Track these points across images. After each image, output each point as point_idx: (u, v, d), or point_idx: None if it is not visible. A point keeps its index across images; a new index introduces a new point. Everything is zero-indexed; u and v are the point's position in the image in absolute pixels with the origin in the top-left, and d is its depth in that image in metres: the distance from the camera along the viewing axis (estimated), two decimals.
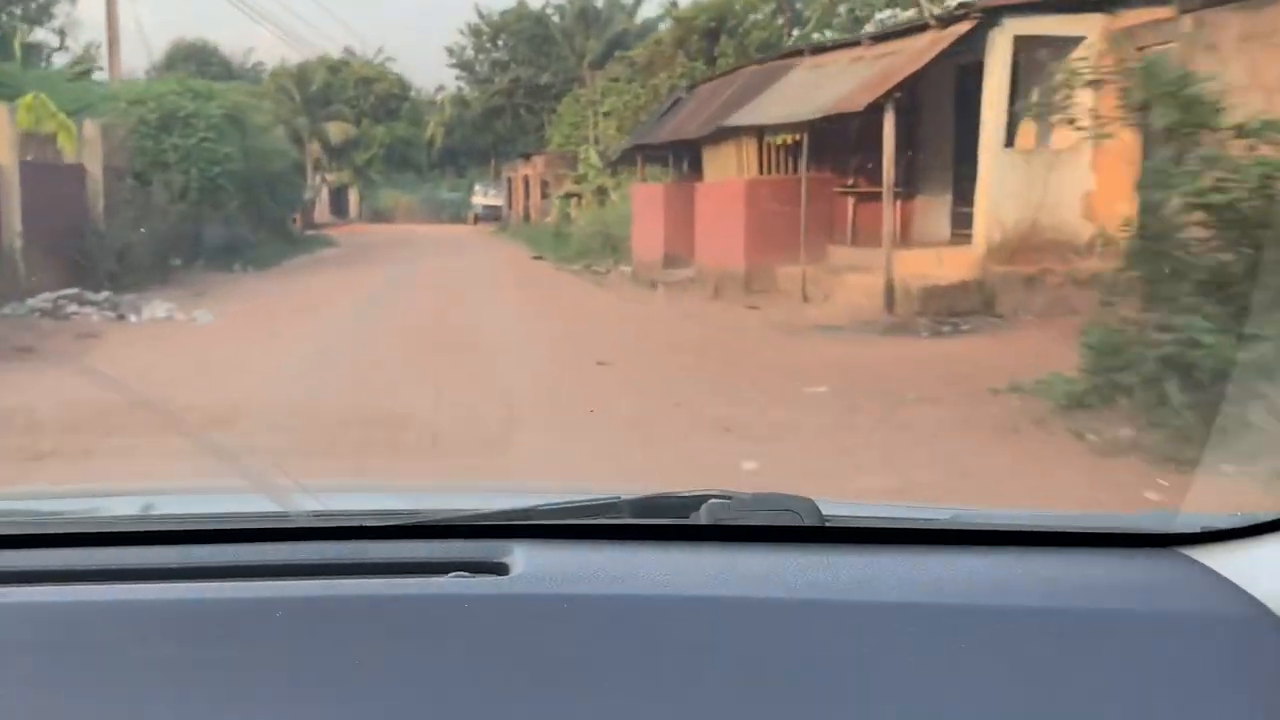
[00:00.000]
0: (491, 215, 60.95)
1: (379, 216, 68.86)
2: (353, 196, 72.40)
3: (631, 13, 70.79)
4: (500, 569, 1.32)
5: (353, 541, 1.40)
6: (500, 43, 75.87)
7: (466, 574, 1.31)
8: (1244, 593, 1.29)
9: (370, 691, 1.14)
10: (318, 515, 1.47)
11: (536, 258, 33.07)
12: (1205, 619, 1.28)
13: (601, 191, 32.36)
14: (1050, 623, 1.28)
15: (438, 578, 1.30)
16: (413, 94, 78.41)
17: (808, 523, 1.47)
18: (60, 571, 1.31)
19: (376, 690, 1.14)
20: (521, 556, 1.34)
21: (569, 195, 38.27)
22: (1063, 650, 1.23)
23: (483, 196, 64.48)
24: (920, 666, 1.20)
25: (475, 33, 76.35)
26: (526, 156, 55.14)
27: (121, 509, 1.72)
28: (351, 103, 72.13)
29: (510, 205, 57.92)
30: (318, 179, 73.34)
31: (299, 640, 1.21)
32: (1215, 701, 1.18)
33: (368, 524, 1.43)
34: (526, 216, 52.90)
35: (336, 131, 70.74)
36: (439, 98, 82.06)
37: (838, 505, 1.59)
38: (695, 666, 1.19)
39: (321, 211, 71.84)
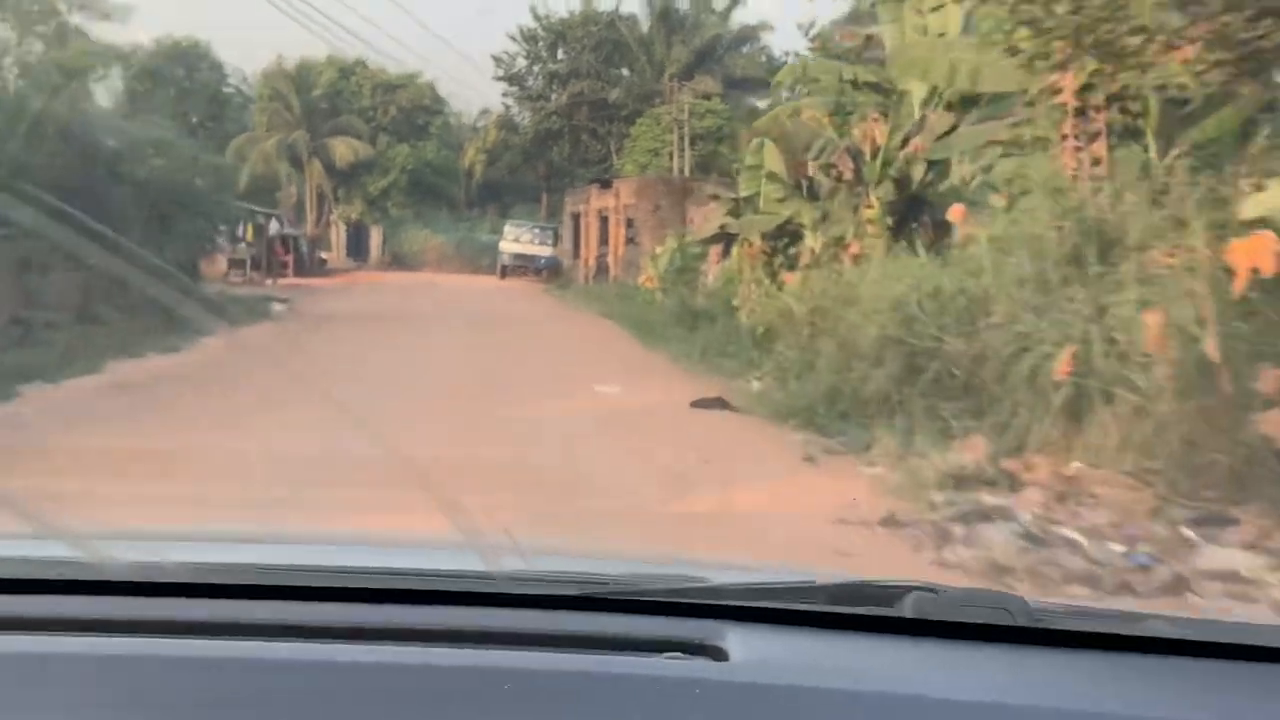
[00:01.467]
0: (530, 266, 46.46)
1: (402, 262, 55.90)
2: (375, 236, 59.34)
3: (725, 16, 55.44)
4: (716, 653, 1.29)
5: (557, 611, 1.37)
6: (560, 53, 59.72)
7: (683, 655, 1.28)
8: None
9: None
10: (521, 580, 1.44)
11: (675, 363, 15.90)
12: None
13: (837, 243, 14.79)
14: None
15: (654, 657, 1.26)
16: (448, 114, 62.06)
17: (1019, 622, 1.43)
18: (259, 626, 1.29)
19: None
20: (735, 641, 1.31)
21: (714, 240, 21.19)
22: None
23: (516, 240, 48.09)
24: None
25: (529, 39, 60.25)
26: (605, 183, 38.55)
27: (323, 560, 1.62)
28: (366, 115, 56.03)
29: (578, 251, 40.92)
30: (325, 212, 57.08)
31: (508, 715, 1.16)
32: None
33: (573, 593, 1.38)
34: (602, 269, 36.00)
35: (344, 150, 54.50)
36: (481, 124, 66.00)
37: (1045, 604, 1.58)
38: None
39: (336, 253, 55.83)
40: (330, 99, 55.66)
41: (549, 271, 45.53)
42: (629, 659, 1.27)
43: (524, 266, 46.14)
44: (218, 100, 52.20)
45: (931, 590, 1.47)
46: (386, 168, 56.04)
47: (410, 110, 56.86)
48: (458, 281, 45.10)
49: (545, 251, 46.31)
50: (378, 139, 55.76)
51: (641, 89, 55.63)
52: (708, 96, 48.11)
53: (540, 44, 60.07)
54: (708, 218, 22.10)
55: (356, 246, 58.07)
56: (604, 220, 37.53)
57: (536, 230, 48.01)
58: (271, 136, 53.27)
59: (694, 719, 1.18)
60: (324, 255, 52.91)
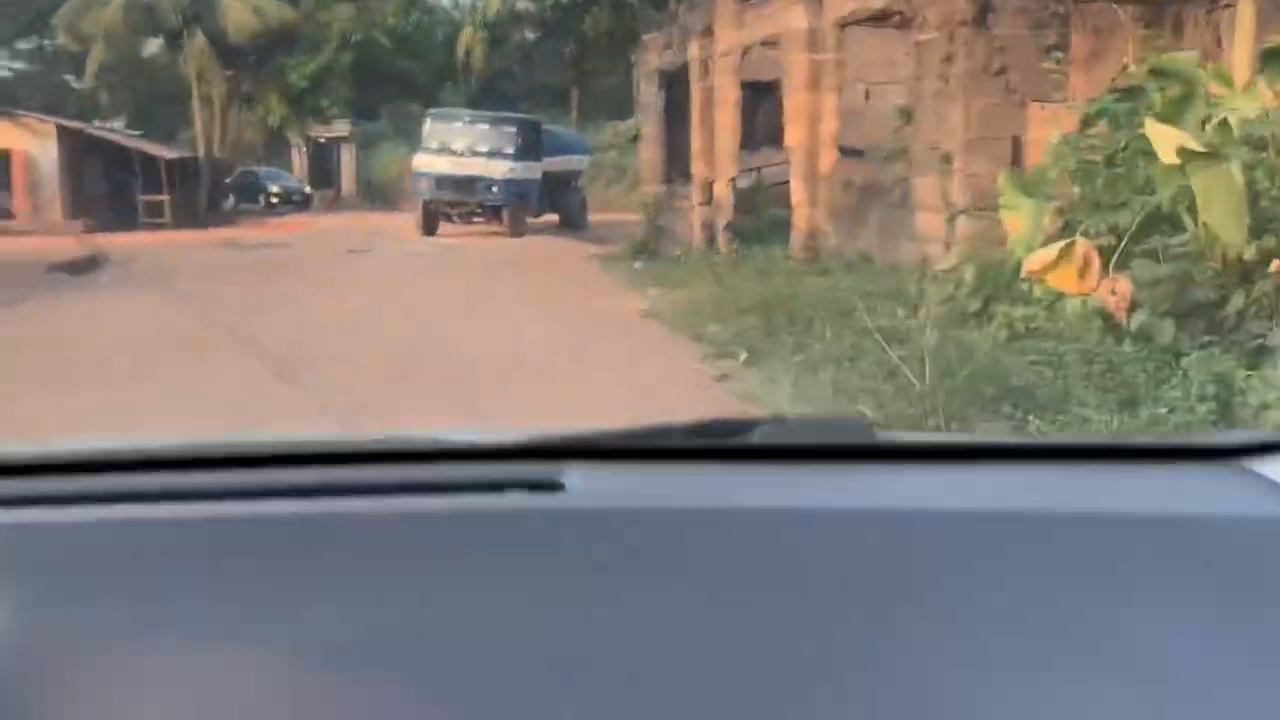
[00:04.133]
0: (475, 200, 26.34)
1: (382, 195, 39.41)
2: (347, 159, 42.71)
3: None
4: (556, 487, 1.33)
5: (414, 464, 1.44)
6: None
7: (524, 491, 1.33)
8: None
9: (434, 599, 1.18)
10: (384, 440, 1.55)
11: None
12: (1267, 523, 1.29)
13: None
14: (1108, 527, 1.26)
15: (497, 495, 1.33)
16: None
17: (865, 442, 1.48)
18: (146, 493, 1.35)
19: (440, 598, 1.18)
20: (578, 476, 1.35)
21: None
22: (1120, 554, 1.22)
23: (445, 148, 26.71)
24: (980, 573, 1.20)
25: None
26: None
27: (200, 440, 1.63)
28: None
29: (671, 163, 17.93)
30: (231, 121, 35.48)
31: (371, 552, 1.24)
32: (1274, 606, 1.17)
33: (430, 448, 1.47)
34: (751, 208, 13.72)
35: (242, 14, 32.47)
36: None
37: (891, 434, 1.67)
38: (754, 574, 1.19)
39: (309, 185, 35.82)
40: None
41: (516, 209, 25.71)
42: (468, 499, 1.33)
43: (464, 203, 25.95)
44: None
45: (783, 420, 1.55)
46: (316, 42, 33.76)
47: None
48: (432, 243, 23.68)
49: (506, 170, 25.56)
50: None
51: None
52: None
53: None
54: None
55: (323, 174, 42.33)
56: (758, 92, 15.27)
57: (488, 126, 26.89)
58: None
59: (530, 548, 1.23)
60: (276, 189, 37.97)
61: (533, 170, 26.44)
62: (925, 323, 8.13)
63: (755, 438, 1.45)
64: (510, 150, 25.95)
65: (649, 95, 18.16)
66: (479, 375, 8.20)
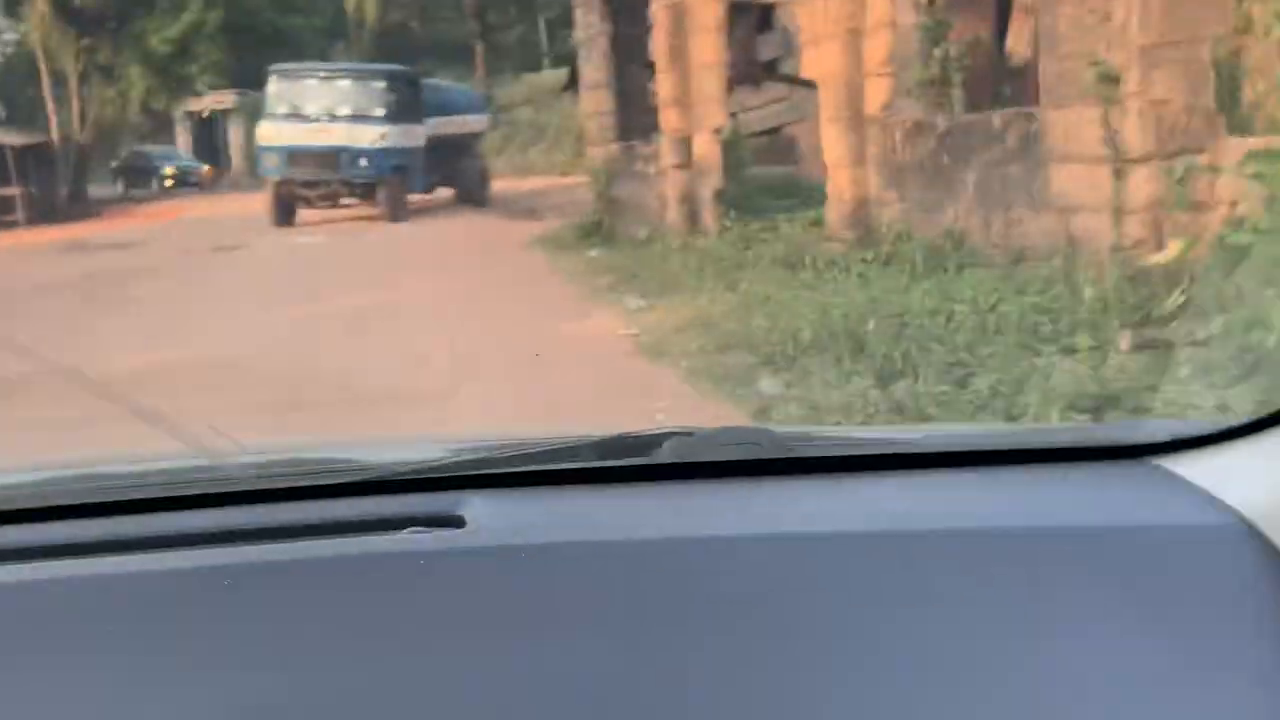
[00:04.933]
0: (336, 178, 20.67)
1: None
2: (235, 135, 38.64)
3: None
4: (457, 522, 1.26)
5: (299, 502, 1.33)
6: None
7: (422, 529, 1.25)
8: (1217, 500, 1.28)
9: (325, 657, 1.11)
10: (259, 475, 1.41)
11: None
12: (1179, 529, 1.26)
13: None
14: (1022, 542, 1.24)
15: (391, 535, 1.24)
16: None
17: (770, 454, 1.44)
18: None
19: (331, 656, 1.11)
20: (479, 508, 1.29)
21: None
22: (1036, 569, 1.20)
23: (296, 113, 21.06)
24: (891, 595, 1.17)
25: None
26: None
27: (42, 480, 1.56)
28: None
29: (628, 121, 13.73)
30: (88, 98, 30.86)
31: (248, 609, 1.16)
32: (1192, 611, 1.16)
33: (313, 483, 1.36)
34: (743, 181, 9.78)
35: None
36: None
37: (799, 432, 1.71)
38: (661, 609, 1.16)
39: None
40: None
41: (394, 186, 20.46)
42: (363, 539, 1.23)
43: (325, 182, 20.52)
44: None
45: (688, 434, 1.44)
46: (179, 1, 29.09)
47: None
48: (290, 232, 19.59)
49: (376, 137, 20.42)
50: None
51: None
52: None
53: None
54: None
55: (210, 150, 38.89)
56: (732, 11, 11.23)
57: (350, 83, 21.73)
58: None
59: (430, 591, 1.17)
60: (170, 170, 35.51)
61: (413, 135, 21.21)
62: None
63: (663, 454, 1.40)
64: (381, 111, 20.73)
65: (590, 27, 13.83)
66: None
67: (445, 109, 23.26)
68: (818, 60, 9.28)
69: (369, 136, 20.08)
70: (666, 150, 11.51)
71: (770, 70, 14.27)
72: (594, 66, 13.49)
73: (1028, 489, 1.37)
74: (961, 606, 1.14)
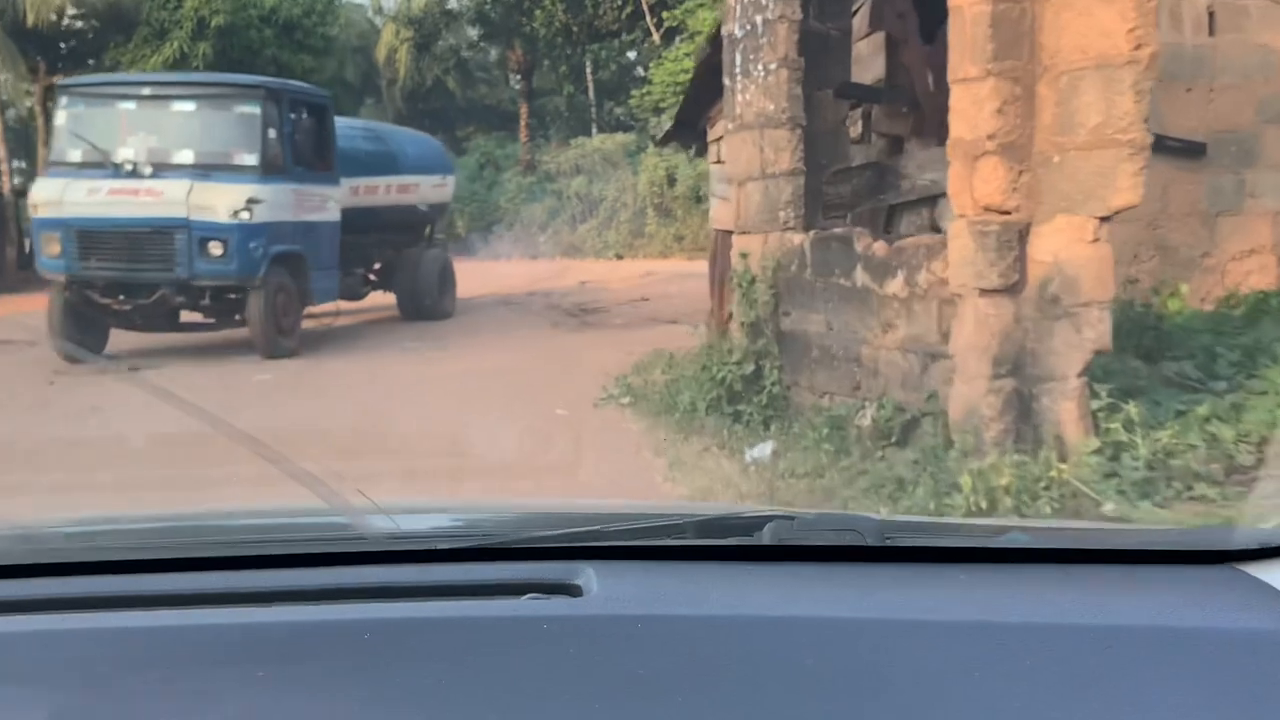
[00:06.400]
0: (174, 285, 11.75)
1: None
2: None
3: None
4: (574, 590, 1.33)
5: (427, 564, 1.41)
6: None
7: (542, 596, 1.32)
8: None
9: (447, 714, 1.15)
10: (392, 538, 1.49)
11: None
12: (1264, 634, 1.26)
13: None
14: (1108, 640, 1.25)
15: (513, 600, 1.31)
16: None
17: (870, 542, 1.47)
18: (132, 597, 1.31)
19: (453, 712, 1.15)
20: (594, 578, 1.34)
21: None
22: (1120, 668, 1.21)
23: (94, 168, 11.83)
24: (982, 684, 1.19)
25: None
26: None
27: (193, 533, 1.70)
28: None
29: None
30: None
31: (376, 663, 1.20)
32: (1275, 716, 1.14)
33: (442, 546, 1.44)
34: None
35: None
36: None
37: (898, 522, 1.69)
38: (762, 686, 1.19)
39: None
40: None
41: (276, 293, 11.98)
42: (486, 603, 1.30)
43: (144, 287, 11.73)
44: None
45: (789, 517, 1.49)
46: (160, 27, 23.47)
47: None
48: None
49: (237, 203, 11.57)
50: None
51: None
52: None
53: None
54: None
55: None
56: None
57: (193, 105, 12.13)
58: None
59: (548, 655, 1.20)
60: None
61: (312, 201, 12.84)
62: None
63: (765, 536, 1.44)
64: (250, 158, 11.96)
65: (762, 9, 7.45)
66: None
67: (381, 165, 15.14)
68: None
69: (226, 201, 11.64)
70: (961, 247, 5.36)
71: None
72: (760, 87, 7.33)
73: (1116, 587, 1.37)
74: (1045, 700, 1.14)
